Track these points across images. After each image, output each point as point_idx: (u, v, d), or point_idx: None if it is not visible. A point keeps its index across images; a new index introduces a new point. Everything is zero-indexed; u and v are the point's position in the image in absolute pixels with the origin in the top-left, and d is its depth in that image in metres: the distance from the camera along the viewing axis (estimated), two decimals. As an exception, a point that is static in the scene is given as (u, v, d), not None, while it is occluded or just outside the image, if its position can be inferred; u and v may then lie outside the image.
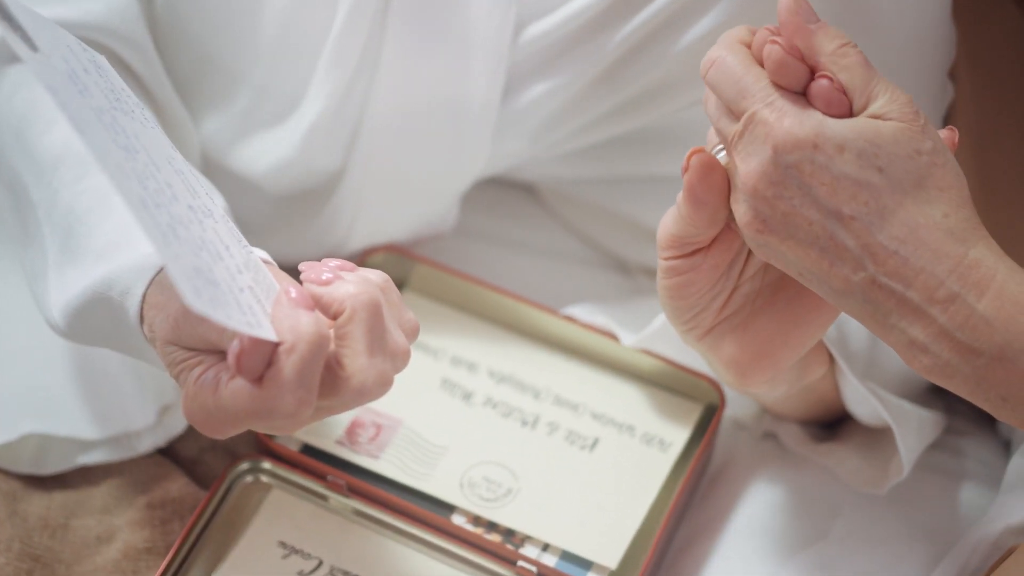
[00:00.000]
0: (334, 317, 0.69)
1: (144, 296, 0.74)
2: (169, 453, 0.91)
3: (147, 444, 0.90)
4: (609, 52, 0.88)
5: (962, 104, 0.90)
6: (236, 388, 0.68)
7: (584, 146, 0.94)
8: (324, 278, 0.70)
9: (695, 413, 0.91)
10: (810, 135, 0.68)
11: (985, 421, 0.94)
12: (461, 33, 0.87)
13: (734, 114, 0.71)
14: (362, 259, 0.94)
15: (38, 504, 0.88)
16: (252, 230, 0.97)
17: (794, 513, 0.89)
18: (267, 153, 0.91)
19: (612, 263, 1.02)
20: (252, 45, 0.88)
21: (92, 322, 0.78)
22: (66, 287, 0.78)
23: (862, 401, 0.85)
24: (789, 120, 0.69)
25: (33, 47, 0.65)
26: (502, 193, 1.03)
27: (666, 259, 0.75)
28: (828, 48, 0.70)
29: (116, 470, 0.89)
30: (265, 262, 0.75)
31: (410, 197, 0.93)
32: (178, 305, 0.71)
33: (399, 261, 0.95)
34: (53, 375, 0.90)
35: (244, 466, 0.87)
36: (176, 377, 0.71)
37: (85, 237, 0.78)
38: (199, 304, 0.63)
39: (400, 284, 0.96)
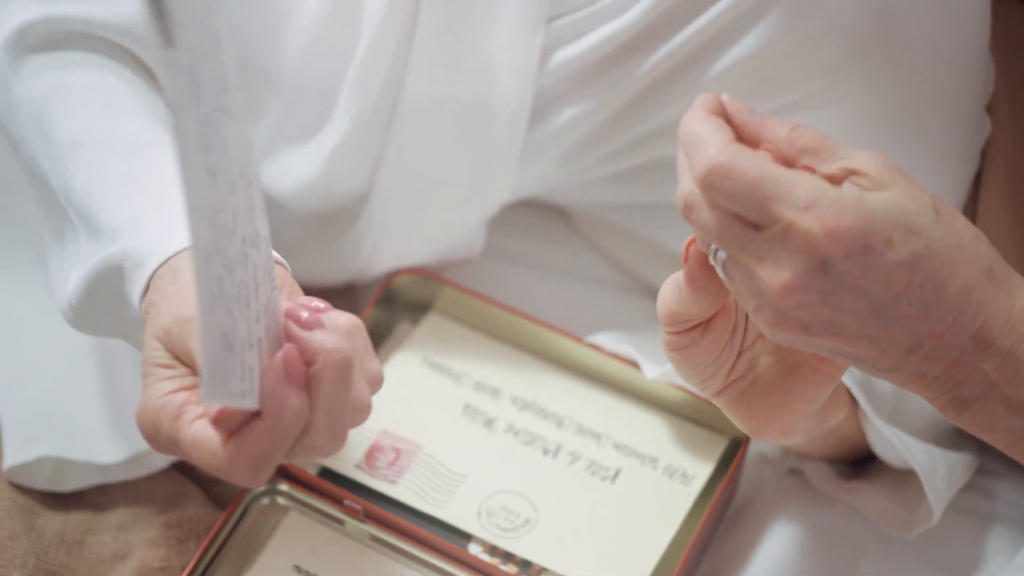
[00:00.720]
0: (307, 364, 0.68)
1: (155, 273, 0.73)
2: (187, 472, 0.90)
3: (162, 460, 0.89)
4: (639, 79, 0.87)
5: (1000, 139, 0.89)
6: (199, 434, 0.67)
7: (614, 172, 0.93)
8: (304, 318, 0.69)
9: (719, 446, 0.90)
10: (859, 236, 0.62)
11: (1017, 463, 0.92)
12: (487, 59, 0.86)
13: (749, 223, 0.64)
14: (387, 281, 0.94)
15: (55, 520, 0.87)
16: (277, 249, 0.96)
17: (818, 552, 0.88)
18: (292, 172, 0.90)
19: (642, 289, 1.01)
20: (278, 65, 0.88)
21: (100, 298, 0.77)
22: (83, 262, 0.77)
23: (888, 447, 0.83)
24: (831, 221, 0.62)
25: (169, 42, 0.61)
26: (534, 216, 1.02)
27: (667, 333, 0.72)
28: (781, 133, 0.65)
29: (133, 488, 0.89)
30: (278, 262, 0.74)
31: (435, 221, 0.93)
32: (181, 309, 0.70)
33: (424, 283, 0.94)
34: (73, 396, 0.90)
35: (261, 488, 0.87)
36: (144, 376, 0.70)
37: (105, 215, 0.77)
38: (211, 395, 0.63)
39: (425, 306, 0.95)
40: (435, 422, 0.90)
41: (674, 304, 0.70)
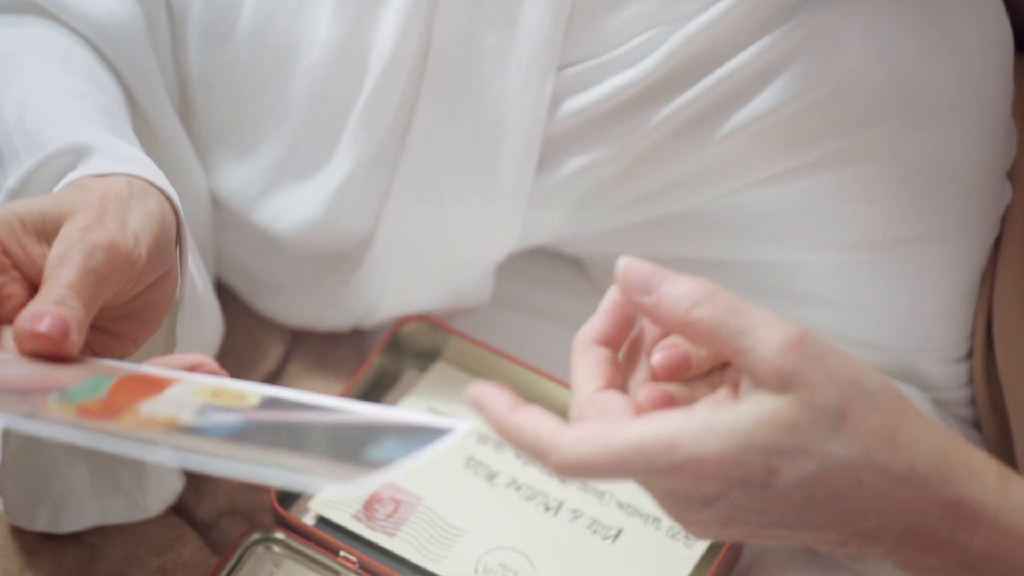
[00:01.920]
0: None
1: (94, 177, 0.72)
2: (185, 515, 0.89)
3: (160, 505, 0.88)
4: (650, 132, 0.85)
5: (1021, 204, 0.87)
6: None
7: (626, 224, 0.91)
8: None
9: (725, 509, 0.88)
10: (730, 472, 0.59)
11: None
12: (495, 105, 0.85)
13: None
14: (394, 328, 0.93)
15: (50, 560, 0.87)
16: (282, 291, 0.95)
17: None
18: (293, 210, 0.90)
19: (655, 342, 0.99)
20: (284, 98, 0.87)
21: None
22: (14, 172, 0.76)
23: None
24: (695, 472, 0.60)
25: None
26: (546, 264, 1.01)
27: None
28: (675, 315, 0.63)
29: (130, 530, 0.88)
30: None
31: (441, 266, 0.92)
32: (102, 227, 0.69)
33: (432, 331, 0.93)
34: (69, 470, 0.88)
35: (257, 535, 0.86)
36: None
37: (45, 124, 0.77)
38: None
39: (433, 355, 0.94)
40: (437, 474, 0.89)
41: None
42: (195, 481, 0.90)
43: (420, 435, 0.60)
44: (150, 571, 0.87)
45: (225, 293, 0.98)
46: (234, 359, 0.95)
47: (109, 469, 0.86)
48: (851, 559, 0.80)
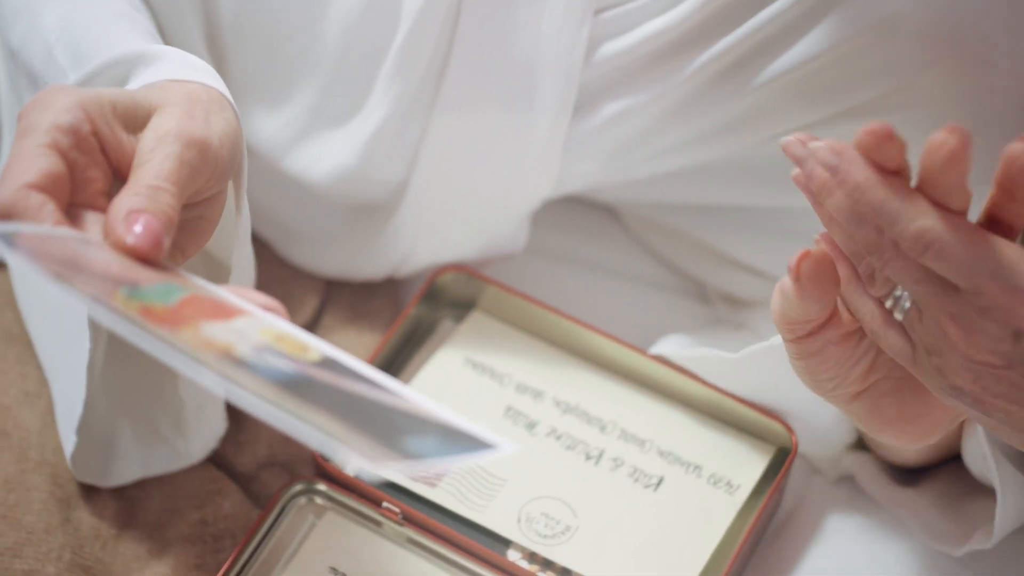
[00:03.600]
0: None
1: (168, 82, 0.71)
2: (224, 467, 0.89)
3: (202, 450, 0.88)
4: (688, 78, 0.84)
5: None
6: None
7: (663, 172, 0.91)
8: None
9: (766, 455, 0.88)
10: None
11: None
12: (531, 49, 0.84)
13: (951, 283, 0.64)
14: (431, 278, 0.92)
15: (91, 514, 0.86)
16: (314, 241, 0.95)
17: (865, 563, 0.86)
18: (327, 157, 0.89)
19: (691, 289, 0.99)
20: (317, 43, 0.86)
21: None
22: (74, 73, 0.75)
23: (978, 458, 0.81)
24: None
25: None
26: (581, 212, 1.00)
27: (789, 341, 0.71)
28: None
29: (169, 482, 0.88)
30: None
31: (475, 215, 0.91)
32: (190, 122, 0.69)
33: (468, 281, 0.93)
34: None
35: (299, 487, 0.85)
36: (31, 131, 0.67)
37: (95, 40, 0.76)
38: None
39: (470, 304, 0.93)
40: (476, 424, 0.88)
41: (784, 310, 0.70)
42: (234, 433, 0.89)
43: (462, 440, 0.60)
44: (191, 524, 0.86)
45: (258, 244, 0.97)
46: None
47: (148, 418, 0.86)
48: None
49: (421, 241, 0.91)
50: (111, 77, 0.75)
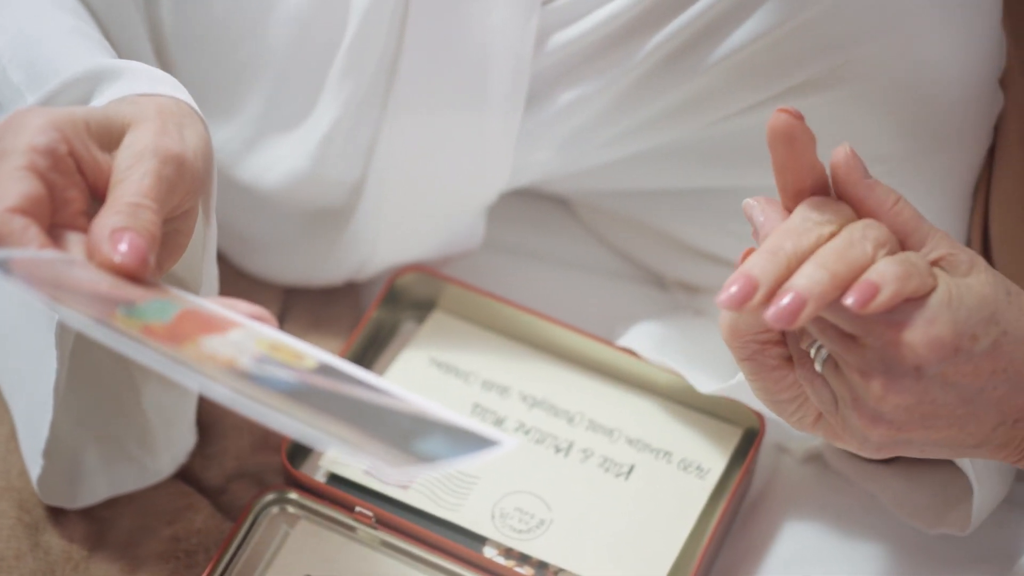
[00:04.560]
0: None
1: (137, 96, 0.71)
2: (193, 482, 0.89)
3: (171, 465, 0.87)
4: (639, 62, 0.85)
5: (1013, 113, 0.87)
6: None
7: (616, 158, 0.91)
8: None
9: (734, 438, 0.88)
10: (952, 342, 0.66)
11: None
12: (481, 41, 0.84)
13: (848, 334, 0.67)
14: (391, 280, 0.92)
15: (61, 536, 0.86)
16: (272, 250, 0.94)
17: (837, 541, 0.86)
18: (279, 163, 0.88)
19: (648, 277, 0.99)
20: (263, 50, 0.86)
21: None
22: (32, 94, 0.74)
23: None
24: (927, 336, 0.66)
25: None
26: (534, 206, 1.00)
27: (741, 359, 0.71)
28: (887, 204, 0.68)
29: (139, 500, 0.87)
30: None
31: (433, 212, 0.91)
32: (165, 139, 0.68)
33: (428, 280, 0.93)
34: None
35: (270, 497, 0.85)
36: (9, 154, 0.66)
37: (54, 56, 0.75)
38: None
39: (430, 304, 0.93)
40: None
41: (733, 320, 0.70)
42: (201, 447, 0.89)
43: (466, 439, 0.60)
44: (162, 541, 0.86)
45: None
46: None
47: (114, 437, 0.85)
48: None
49: (381, 242, 0.91)
50: (73, 95, 0.74)
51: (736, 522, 0.88)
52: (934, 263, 0.68)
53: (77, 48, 0.76)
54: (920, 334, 0.65)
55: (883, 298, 0.65)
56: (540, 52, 0.85)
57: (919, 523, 0.84)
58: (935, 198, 0.89)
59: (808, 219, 0.68)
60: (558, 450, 0.88)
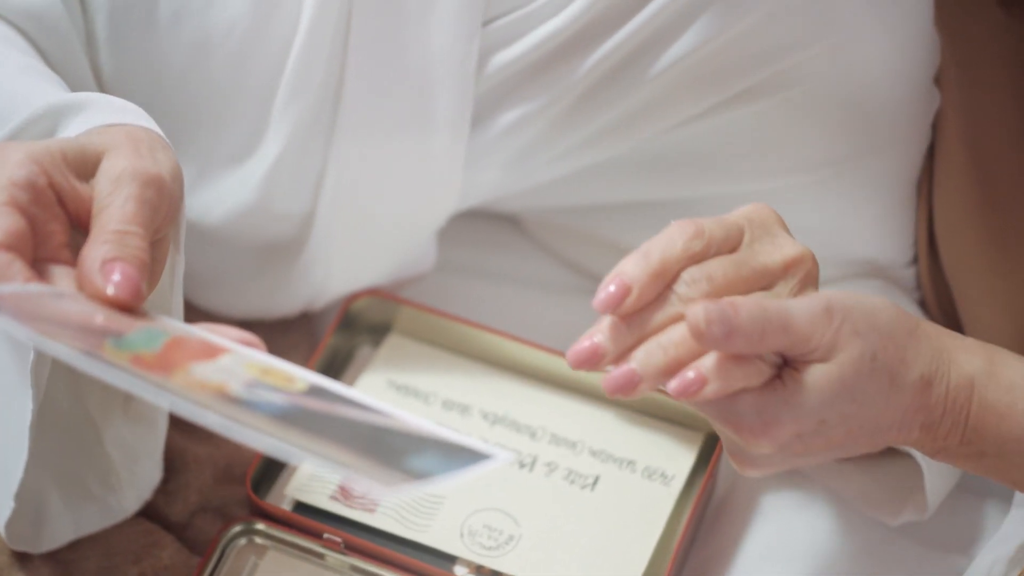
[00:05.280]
0: None
1: (108, 126, 0.70)
2: (157, 519, 0.88)
3: (135, 503, 0.86)
4: (581, 78, 0.85)
5: (950, 110, 0.88)
6: None
7: (563, 174, 0.91)
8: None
9: (696, 443, 0.89)
10: (790, 432, 0.67)
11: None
12: (423, 68, 0.85)
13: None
14: (345, 305, 0.92)
15: (25, 582, 0.85)
16: (223, 285, 0.94)
17: (803, 537, 0.87)
18: (225, 199, 0.88)
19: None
20: (204, 88, 0.86)
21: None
22: None
23: None
24: (759, 429, 0.67)
25: None
26: (484, 225, 1.01)
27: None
28: (755, 342, 0.66)
29: (103, 540, 0.86)
30: None
31: (385, 238, 0.91)
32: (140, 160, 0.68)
33: (382, 304, 0.93)
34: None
35: (237, 528, 0.85)
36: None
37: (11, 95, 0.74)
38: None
39: (386, 327, 0.93)
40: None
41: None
42: (163, 482, 0.88)
43: (460, 455, 0.60)
44: (130, 580, 0.85)
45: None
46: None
47: (77, 479, 0.85)
48: None
49: (334, 271, 0.91)
50: (37, 131, 0.73)
51: (703, 526, 0.89)
52: (802, 359, 0.67)
53: (35, 85, 0.76)
54: (759, 431, 0.67)
55: (708, 391, 0.66)
56: (482, 73, 0.86)
57: (881, 516, 0.85)
58: (879, 198, 0.90)
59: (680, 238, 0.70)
60: (522, 465, 0.88)
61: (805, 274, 0.69)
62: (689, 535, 0.85)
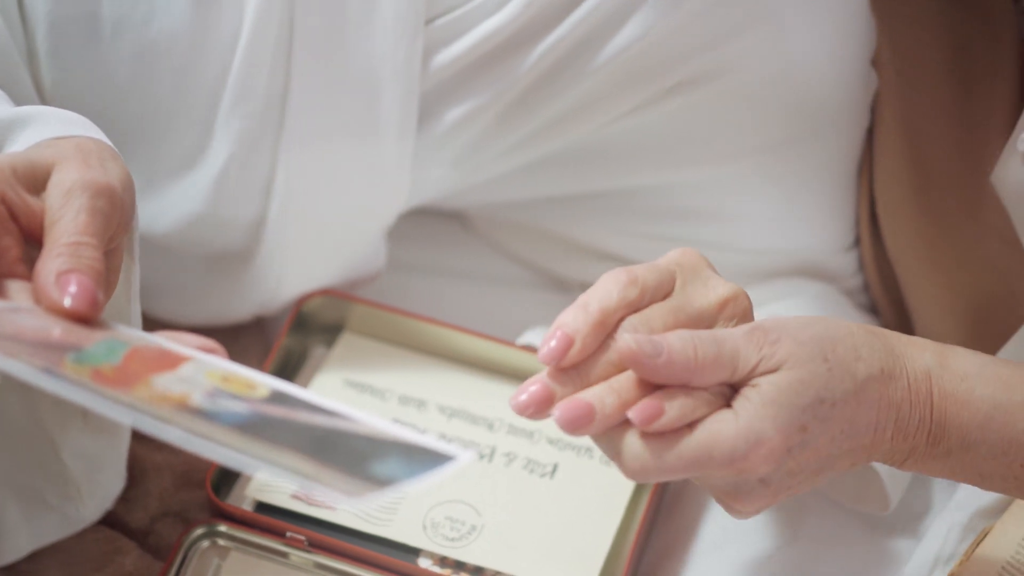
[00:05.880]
0: None
1: (54, 139, 0.70)
2: (117, 526, 0.88)
3: (95, 512, 0.86)
4: (525, 73, 0.87)
5: (887, 92, 0.90)
6: None
7: (509, 169, 0.92)
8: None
9: (652, 428, 0.90)
10: (781, 447, 0.67)
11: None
12: (367, 68, 0.85)
13: None
14: (298, 306, 0.92)
15: (-14, 596, 0.84)
16: (174, 294, 0.94)
17: (762, 518, 0.88)
18: (172, 207, 0.88)
19: (550, 282, 1.01)
20: (149, 99, 0.86)
21: None
22: None
23: None
24: (755, 456, 0.67)
25: None
26: (432, 224, 1.01)
27: None
28: (691, 366, 0.67)
29: (64, 550, 0.86)
30: None
31: (335, 240, 0.91)
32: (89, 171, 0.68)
33: (334, 303, 0.93)
34: None
35: (200, 531, 0.85)
36: None
37: None
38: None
39: (338, 327, 0.94)
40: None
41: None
42: (122, 491, 0.88)
43: (422, 457, 0.61)
44: (94, 588, 0.85)
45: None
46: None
47: (32, 490, 0.84)
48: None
49: (287, 275, 0.91)
50: None
51: (662, 510, 0.90)
52: (751, 375, 0.68)
53: None
54: (753, 456, 0.66)
55: (665, 420, 0.66)
56: (426, 71, 0.87)
57: (841, 499, 0.87)
58: (819, 182, 0.92)
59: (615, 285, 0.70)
60: (481, 456, 0.89)
61: (741, 312, 0.71)
62: (649, 519, 0.86)
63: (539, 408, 0.68)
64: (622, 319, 0.69)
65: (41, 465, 0.85)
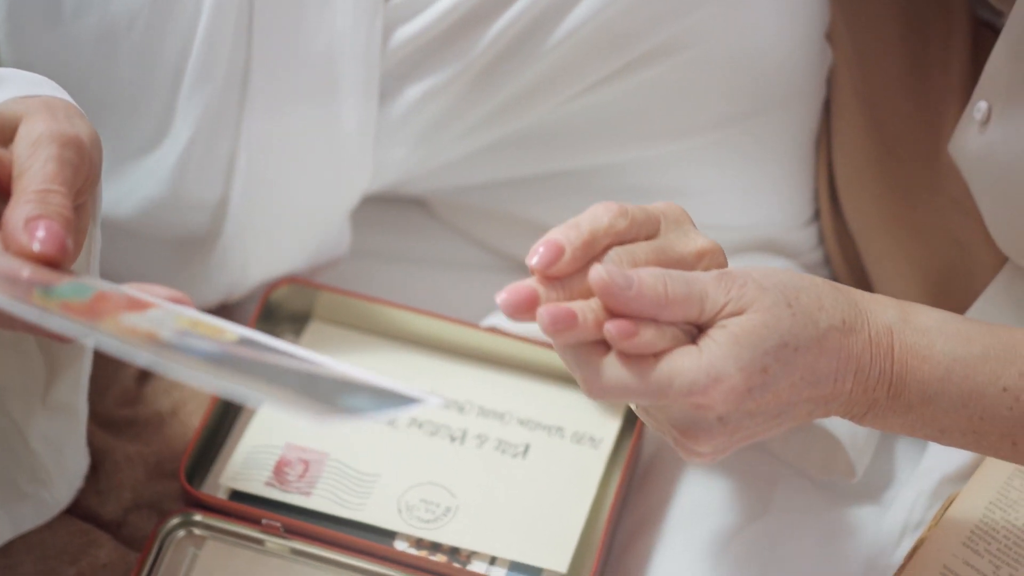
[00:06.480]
0: None
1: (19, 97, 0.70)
2: (91, 519, 0.88)
3: (69, 494, 0.86)
4: (483, 51, 0.87)
5: (843, 65, 0.91)
6: None
7: (470, 151, 0.93)
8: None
9: (621, 406, 0.91)
10: (742, 386, 0.67)
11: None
12: (328, 47, 0.86)
13: None
14: (265, 295, 0.92)
15: (-39, 591, 0.84)
16: (142, 278, 0.94)
17: (732, 491, 0.89)
18: (136, 190, 0.88)
19: (513, 265, 1.01)
20: (111, 81, 0.86)
21: None
22: None
23: None
24: (716, 392, 0.67)
25: None
26: (394, 210, 1.02)
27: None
28: (660, 300, 0.67)
29: (38, 543, 0.86)
30: None
31: (299, 222, 0.92)
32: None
33: (302, 292, 0.93)
34: None
35: (175, 521, 0.85)
36: None
37: None
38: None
39: (306, 315, 0.94)
40: (334, 428, 0.89)
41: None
42: (94, 483, 0.88)
43: (391, 398, 0.61)
44: (69, 581, 0.85)
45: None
46: (98, 358, 0.93)
47: (6, 478, 0.84)
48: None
49: (251, 259, 0.92)
50: None
51: (633, 485, 0.91)
52: (718, 316, 0.68)
53: None
54: (712, 392, 0.66)
55: (640, 340, 0.66)
56: (385, 48, 0.87)
57: (809, 470, 0.88)
58: (777, 155, 0.93)
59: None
60: (453, 439, 0.89)
61: (716, 265, 0.71)
62: (621, 495, 0.87)
63: (521, 306, 0.67)
64: (608, 247, 0.69)
65: (11, 452, 0.85)
